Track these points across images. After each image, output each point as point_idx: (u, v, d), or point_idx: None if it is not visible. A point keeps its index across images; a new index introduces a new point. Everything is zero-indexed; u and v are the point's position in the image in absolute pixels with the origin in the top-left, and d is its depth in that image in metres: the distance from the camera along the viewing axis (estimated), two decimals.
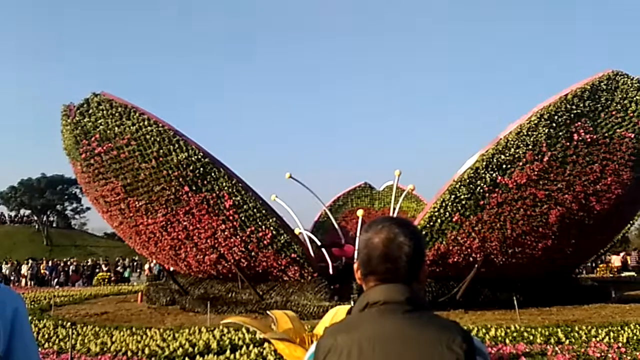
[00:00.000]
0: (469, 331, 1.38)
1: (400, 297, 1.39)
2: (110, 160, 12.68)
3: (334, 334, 1.40)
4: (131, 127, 12.49)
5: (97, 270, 33.23)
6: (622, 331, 8.42)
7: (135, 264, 34.05)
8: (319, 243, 15.33)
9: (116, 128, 12.60)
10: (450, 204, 11.58)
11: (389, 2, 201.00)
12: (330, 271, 13.67)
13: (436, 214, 11.69)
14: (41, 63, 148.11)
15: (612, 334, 8.23)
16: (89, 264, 35.49)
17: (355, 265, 1.53)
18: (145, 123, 12.52)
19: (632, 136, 11.50)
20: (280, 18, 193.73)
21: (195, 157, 12.27)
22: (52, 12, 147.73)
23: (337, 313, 6.56)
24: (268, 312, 7.20)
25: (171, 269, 15.64)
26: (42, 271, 33.07)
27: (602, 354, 6.85)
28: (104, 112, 12.88)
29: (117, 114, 12.79)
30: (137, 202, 12.70)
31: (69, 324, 10.70)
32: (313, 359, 1.43)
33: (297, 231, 15.01)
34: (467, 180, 11.51)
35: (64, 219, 78.32)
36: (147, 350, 7.89)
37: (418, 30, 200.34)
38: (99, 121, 12.82)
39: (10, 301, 1.59)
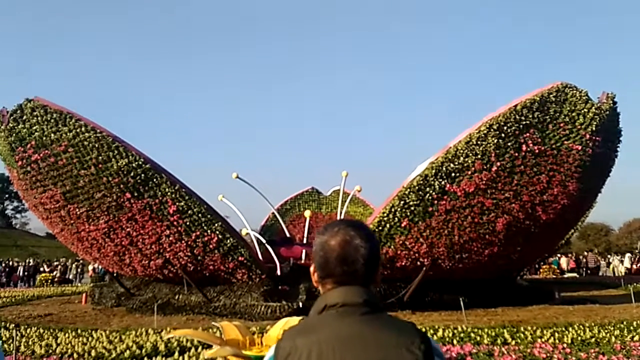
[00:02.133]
0: (426, 333, 1.39)
1: (358, 299, 1.39)
2: (47, 168, 12.28)
3: (292, 337, 1.38)
4: (68, 134, 12.13)
5: (40, 270, 32.24)
6: (567, 332, 8.65)
7: (78, 264, 33.10)
8: (265, 243, 15.27)
9: (52, 135, 12.20)
10: (399, 209, 11.69)
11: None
12: (278, 272, 13.70)
13: (385, 219, 11.82)
14: None
15: (556, 334, 8.43)
16: (30, 264, 34.35)
17: (311, 269, 1.51)
18: (83, 129, 12.18)
19: (579, 148, 11.64)
20: (236, 16, 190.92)
21: (136, 163, 12.05)
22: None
23: (287, 323, 6.58)
24: (214, 323, 7.16)
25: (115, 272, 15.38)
26: None
27: (548, 355, 7.00)
28: (39, 118, 12.42)
29: (52, 120, 12.37)
30: (77, 210, 12.38)
31: (12, 325, 10.33)
32: None
33: (244, 232, 14.98)
34: (417, 187, 11.61)
35: (4, 218, 75.86)
36: (93, 353, 7.77)
37: (375, 29, 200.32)
38: (34, 127, 12.37)
39: None
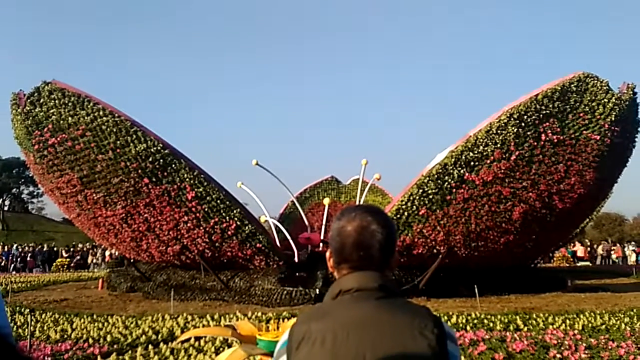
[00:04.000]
0: (439, 317, 1.40)
1: (373, 284, 1.38)
2: (64, 152, 12.17)
3: (307, 321, 1.38)
4: (86, 118, 12.00)
5: (53, 256, 32.29)
6: (578, 319, 8.82)
7: (95, 249, 33.15)
8: (284, 231, 15.13)
9: (70, 118, 12.08)
10: (417, 197, 11.75)
11: None
12: (296, 259, 13.58)
13: (403, 206, 11.87)
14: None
15: (568, 321, 8.62)
16: (44, 249, 34.45)
17: (327, 254, 1.51)
18: (101, 113, 12.04)
19: (598, 138, 11.60)
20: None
21: (155, 148, 11.93)
22: None
23: None
24: (226, 324, 7.09)
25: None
26: None
27: (559, 341, 7.08)
28: (56, 101, 12.30)
29: (70, 104, 12.23)
30: (94, 194, 12.30)
31: (27, 310, 10.40)
32: (286, 346, 1.39)
33: (262, 219, 14.85)
34: (435, 176, 11.66)
35: (21, 202, 76.44)
36: (109, 338, 7.74)
37: (399, 21, 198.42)
38: (51, 111, 12.25)
39: None
